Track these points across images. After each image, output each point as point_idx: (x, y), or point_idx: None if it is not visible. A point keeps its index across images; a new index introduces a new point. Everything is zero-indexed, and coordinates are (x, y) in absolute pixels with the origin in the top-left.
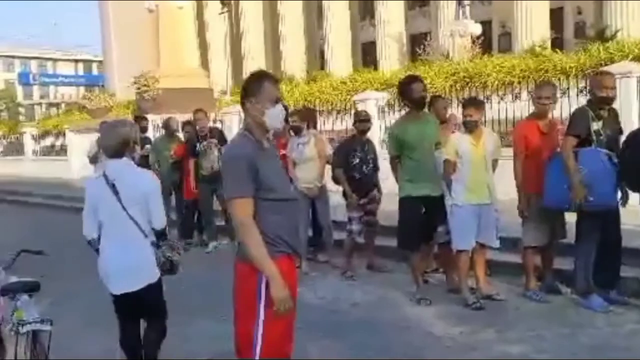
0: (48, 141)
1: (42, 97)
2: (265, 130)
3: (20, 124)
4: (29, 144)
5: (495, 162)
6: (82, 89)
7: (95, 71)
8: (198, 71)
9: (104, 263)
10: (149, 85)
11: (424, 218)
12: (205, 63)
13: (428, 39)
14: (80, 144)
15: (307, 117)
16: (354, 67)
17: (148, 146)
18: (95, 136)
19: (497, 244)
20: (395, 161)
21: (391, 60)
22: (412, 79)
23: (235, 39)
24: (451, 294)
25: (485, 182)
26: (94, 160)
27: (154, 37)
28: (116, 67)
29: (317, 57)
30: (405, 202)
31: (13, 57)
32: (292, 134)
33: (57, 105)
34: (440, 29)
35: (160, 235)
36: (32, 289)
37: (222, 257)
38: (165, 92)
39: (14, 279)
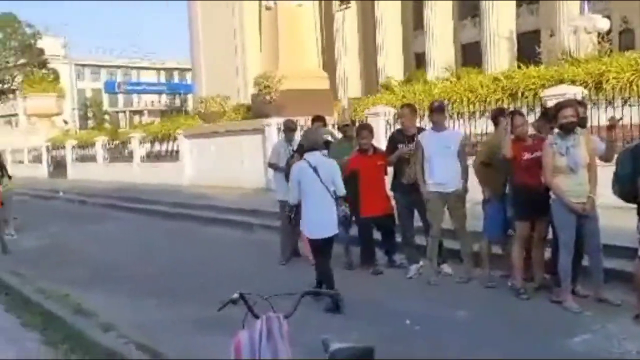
0: (156, 146)
1: (125, 104)
2: None
3: (118, 130)
4: (137, 150)
5: None
6: (164, 96)
7: (176, 79)
8: (319, 72)
9: (310, 218)
10: (271, 86)
11: None
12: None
13: (537, 37)
14: (193, 148)
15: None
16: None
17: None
18: (210, 142)
19: None
20: None
21: (501, 60)
22: None
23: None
24: None
25: None
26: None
27: (255, 38)
28: (204, 74)
29: (412, 60)
30: None
31: (100, 66)
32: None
33: (140, 112)
34: (560, 25)
35: (340, 198)
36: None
37: (431, 283)
38: (284, 94)
39: (335, 342)
